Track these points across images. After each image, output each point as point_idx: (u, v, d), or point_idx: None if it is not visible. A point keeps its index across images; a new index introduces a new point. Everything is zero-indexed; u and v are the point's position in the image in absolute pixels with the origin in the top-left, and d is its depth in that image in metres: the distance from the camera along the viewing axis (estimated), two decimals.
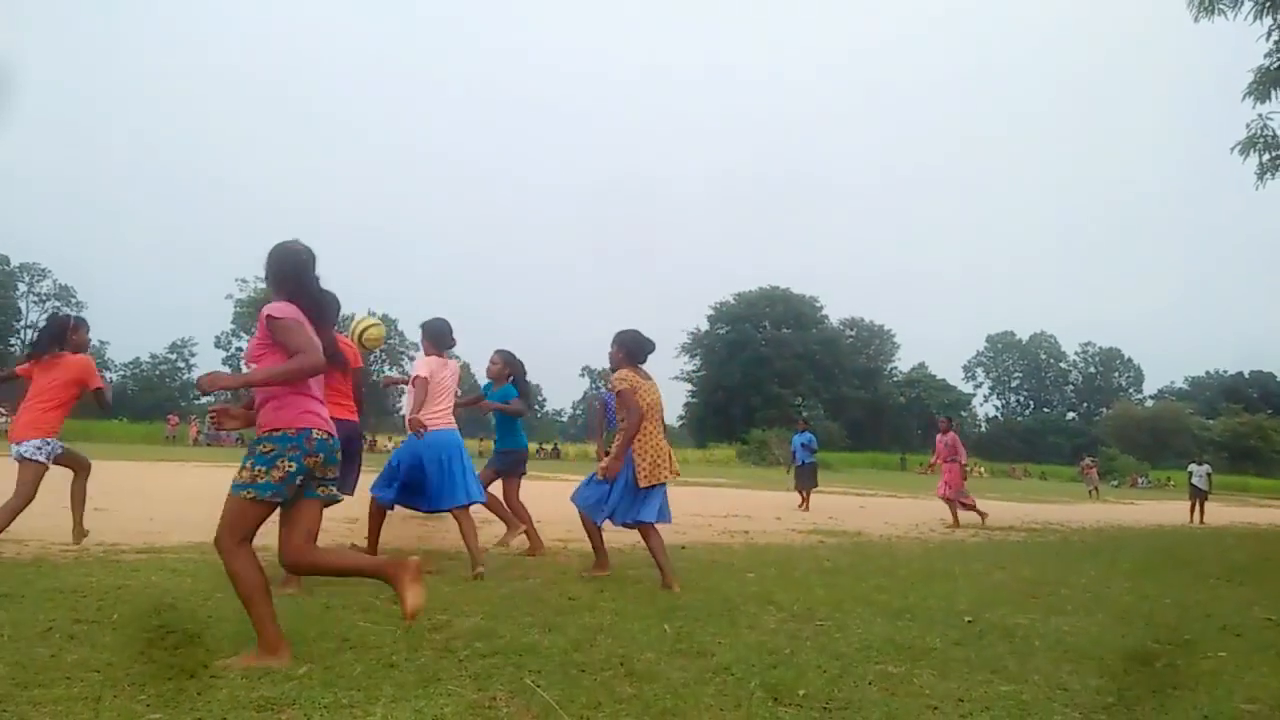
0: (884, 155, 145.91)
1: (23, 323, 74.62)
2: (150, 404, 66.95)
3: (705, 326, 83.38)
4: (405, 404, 6.61)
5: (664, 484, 6.10)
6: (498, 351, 7.91)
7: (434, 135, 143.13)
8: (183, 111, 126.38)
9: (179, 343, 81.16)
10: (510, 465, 7.83)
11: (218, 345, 77.25)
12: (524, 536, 7.52)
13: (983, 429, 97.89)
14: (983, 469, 61.44)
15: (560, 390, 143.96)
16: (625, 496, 6.00)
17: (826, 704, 3.26)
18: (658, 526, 6.03)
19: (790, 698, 3.30)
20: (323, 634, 3.99)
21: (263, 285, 48.60)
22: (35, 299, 76.40)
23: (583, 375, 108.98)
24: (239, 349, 76.61)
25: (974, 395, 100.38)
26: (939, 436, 13.93)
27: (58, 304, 76.09)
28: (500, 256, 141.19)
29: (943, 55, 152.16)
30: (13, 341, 72.08)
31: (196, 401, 56.75)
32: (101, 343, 76.98)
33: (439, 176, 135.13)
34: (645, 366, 6.34)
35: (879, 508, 13.47)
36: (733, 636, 4.36)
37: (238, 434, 11.75)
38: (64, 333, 6.53)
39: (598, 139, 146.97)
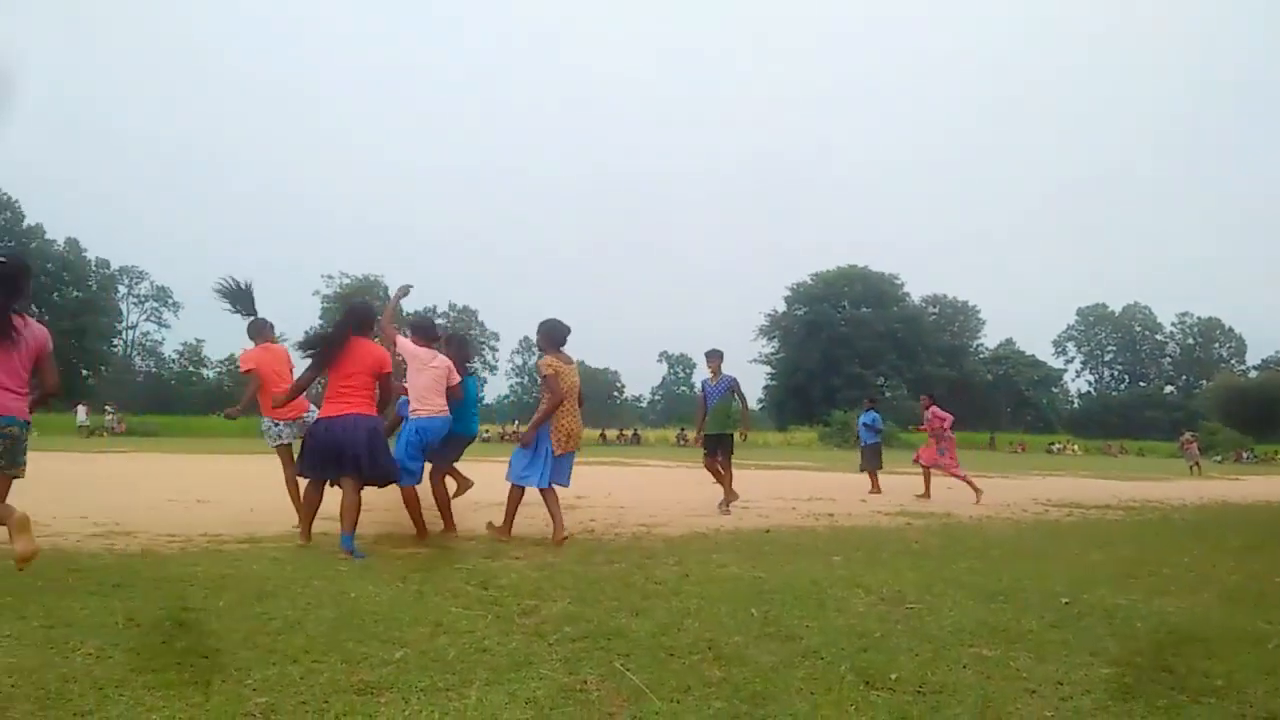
0: (964, 124, 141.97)
1: (124, 324, 77.99)
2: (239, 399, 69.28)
3: (782, 308, 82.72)
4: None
5: (573, 453, 7.20)
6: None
7: (512, 131, 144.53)
8: (265, 126, 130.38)
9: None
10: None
11: None
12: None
13: (1075, 405, 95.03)
14: (1076, 446, 59.66)
15: (639, 377, 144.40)
16: (549, 463, 6.97)
17: (920, 688, 3.22)
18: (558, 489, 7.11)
19: (882, 682, 3.27)
20: (417, 620, 4.09)
21: (348, 281, 49.90)
22: (134, 300, 79.79)
23: (660, 361, 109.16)
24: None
25: (1065, 371, 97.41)
26: (925, 413, 14.62)
27: (156, 305, 79.48)
28: (573, 242, 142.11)
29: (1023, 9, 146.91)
30: (115, 342, 75.38)
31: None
32: (198, 340, 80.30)
33: (522, 171, 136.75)
34: (564, 350, 7.30)
35: (967, 488, 13.16)
36: (821, 620, 4.33)
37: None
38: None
39: (658, 121, 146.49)
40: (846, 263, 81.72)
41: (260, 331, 8.03)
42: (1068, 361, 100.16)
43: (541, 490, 7.01)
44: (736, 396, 10.93)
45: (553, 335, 7.22)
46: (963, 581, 5.61)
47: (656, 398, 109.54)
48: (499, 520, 7.22)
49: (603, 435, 56.01)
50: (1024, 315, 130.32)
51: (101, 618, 3.97)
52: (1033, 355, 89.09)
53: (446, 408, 7.12)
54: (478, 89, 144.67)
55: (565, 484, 7.19)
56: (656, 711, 2.86)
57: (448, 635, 3.82)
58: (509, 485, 7.16)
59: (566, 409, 7.05)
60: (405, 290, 7.60)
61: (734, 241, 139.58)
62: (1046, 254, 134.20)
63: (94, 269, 72.27)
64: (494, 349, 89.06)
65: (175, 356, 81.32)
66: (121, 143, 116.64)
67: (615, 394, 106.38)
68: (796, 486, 15.46)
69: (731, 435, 10.82)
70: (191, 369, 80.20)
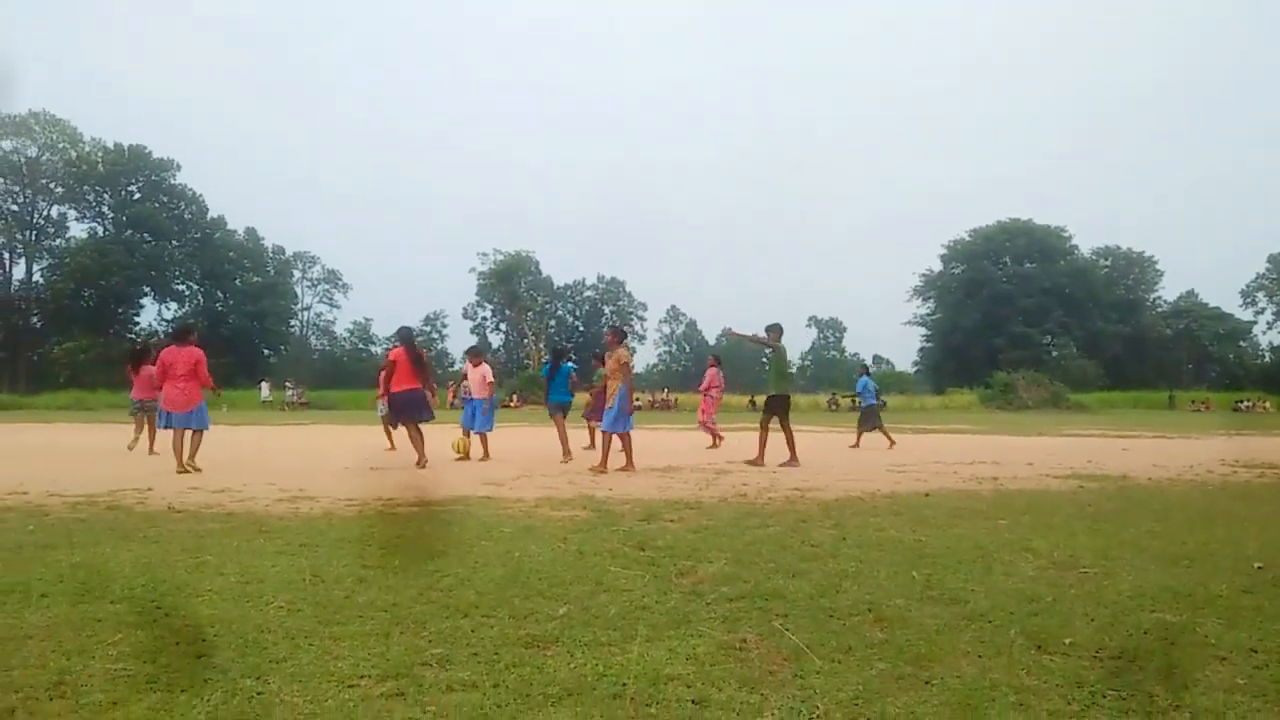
0: (1130, 63, 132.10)
1: (299, 305, 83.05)
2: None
3: (938, 267, 79.70)
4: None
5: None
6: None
7: (655, 107, 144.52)
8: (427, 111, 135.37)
9: (432, 315, 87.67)
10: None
11: (465, 316, 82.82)
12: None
13: (1266, 359, 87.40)
14: (1269, 403, 55.01)
15: (787, 342, 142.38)
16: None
17: (1096, 653, 3.06)
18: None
19: (1055, 646, 3.13)
20: (578, 578, 4.20)
21: (501, 257, 51.16)
22: (308, 284, 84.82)
23: (809, 325, 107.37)
24: (484, 319, 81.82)
25: (1254, 323, 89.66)
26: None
27: (327, 287, 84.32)
28: (719, 209, 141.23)
29: None
30: (292, 323, 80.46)
31: (452, 369, 60.86)
32: (366, 319, 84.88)
33: (671, 141, 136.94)
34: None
35: (1145, 449, 12.39)
36: (987, 584, 4.18)
37: (495, 398, 12.59)
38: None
39: (792, 78, 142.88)
40: (1008, 217, 77.81)
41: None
42: (1258, 313, 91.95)
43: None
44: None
45: (617, 333, 11.05)
46: (1142, 545, 5.29)
47: (806, 363, 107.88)
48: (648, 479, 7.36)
49: (751, 402, 55.78)
50: (1207, 265, 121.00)
51: (290, 574, 4.27)
52: (1217, 308, 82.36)
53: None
54: (624, 81, 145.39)
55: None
56: (817, 671, 2.84)
57: (608, 593, 3.91)
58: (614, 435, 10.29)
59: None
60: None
61: (885, 200, 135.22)
62: (1230, 199, 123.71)
63: (271, 256, 77.23)
64: (642, 319, 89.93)
65: (346, 335, 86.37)
66: (293, 139, 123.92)
67: (764, 361, 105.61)
68: (956, 450, 14.96)
69: (775, 396, 11.90)
70: (361, 346, 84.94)
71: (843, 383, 72.47)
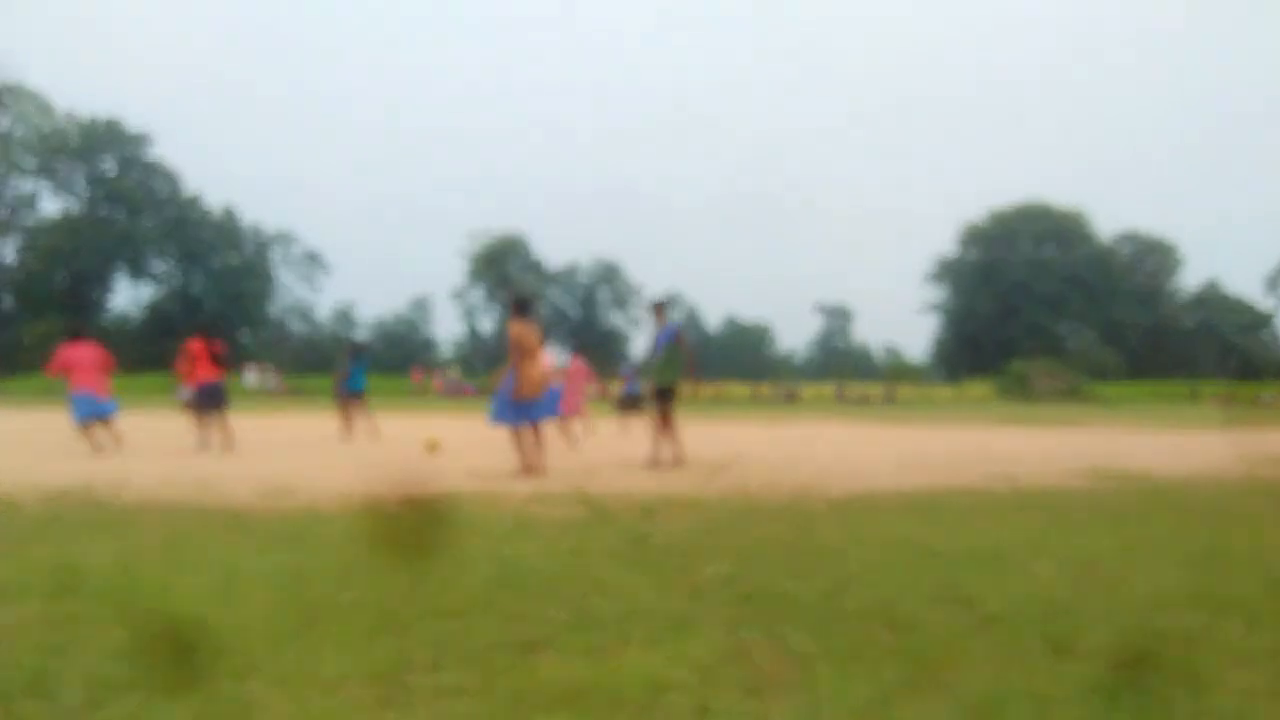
0: (1164, 25, 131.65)
1: (278, 287, 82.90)
2: (397, 358, 72.76)
3: (954, 251, 79.66)
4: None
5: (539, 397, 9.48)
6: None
7: (658, 85, 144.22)
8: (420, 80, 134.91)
9: (418, 299, 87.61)
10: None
11: (455, 298, 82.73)
12: None
13: None
14: None
15: (792, 329, 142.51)
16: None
17: (1116, 657, 3.07)
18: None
19: (1073, 650, 3.14)
20: (574, 579, 4.21)
21: (491, 240, 51.58)
22: (287, 264, 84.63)
23: (816, 313, 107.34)
24: (473, 303, 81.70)
25: (1274, 315, 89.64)
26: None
27: (308, 268, 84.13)
28: (719, 190, 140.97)
29: None
30: (270, 306, 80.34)
31: (438, 355, 61.07)
32: (349, 302, 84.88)
33: (671, 124, 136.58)
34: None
35: (1166, 445, 12.43)
36: (1003, 586, 4.19)
37: (477, 385, 13.25)
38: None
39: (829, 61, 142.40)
40: (1025, 199, 77.70)
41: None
42: None
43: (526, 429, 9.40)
44: (679, 346, 10.95)
45: (520, 306, 9.86)
46: (1163, 545, 5.31)
47: (812, 351, 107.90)
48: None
49: (755, 392, 55.84)
50: (1230, 251, 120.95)
51: (272, 572, 4.28)
52: (1239, 299, 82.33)
53: None
54: (624, 45, 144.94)
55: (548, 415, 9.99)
56: (825, 678, 2.85)
57: (605, 595, 3.92)
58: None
59: (530, 364, 9.33)
60: None
61: (897, 181, 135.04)
62: (1256, 182, 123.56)
63: (250, 235, 77.07)
64: (638, 305, 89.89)
65: (327, 319, 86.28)
66: (272, 111, 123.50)
67: (767, 348, 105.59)
68: (971, 444, 15.00)
69: (670, 388, 10.71)
70: (343, 331, 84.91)
71: (850, 372, 72.60)
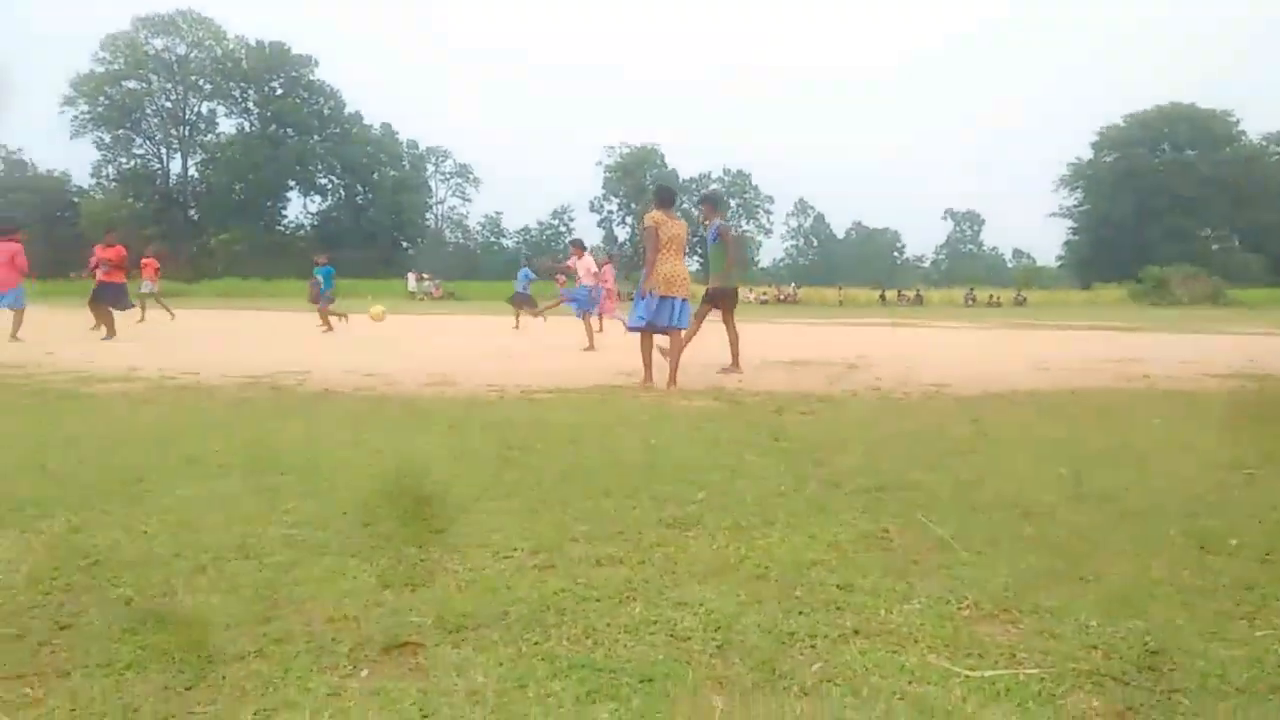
0: None
1: (434, 199, 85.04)
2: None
3: (1089, 155, 74.65)
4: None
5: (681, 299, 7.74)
6: None
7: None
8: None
9: (559, 209, 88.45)
10: None
11: (592, 209, 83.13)
12: None
13: None
14: None
15: (920, 235, 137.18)
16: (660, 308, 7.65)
17: (1266, 555, 2.90)
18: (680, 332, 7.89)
19: (1220, 547, 2.97)
20: (714, 465, 4.24)
21: (627, 150, 51.35)
22: (441, 177, 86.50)
23: (944, 218, 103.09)
24: (610, 212, 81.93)
25: None
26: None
27: (459, 181, 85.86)
28: (850, 99, 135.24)
29: None
30: (428, 217, 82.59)
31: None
32: (496, 213, 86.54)
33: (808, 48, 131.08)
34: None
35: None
36: (1142, 483, 4.00)
37: (599, 288, 13.63)
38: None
39: None
40: (1167, 100, 71.68)
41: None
42: None
43: (670, 333, 7.83)
44: (724, 245, 9.60)
45: (659, 195, 8.10)
46: None
47: (940, 257, 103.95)
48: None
49: (882, 296, 54.44)
50: None
51: (441, 453, 4.47)
52: None
53: None
54: None
55: (683, 325, 7.87)
56: (964, 562, 2.79)
57: (745, 480, 3.94)
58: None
59: (668, 258, 7.70)
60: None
61: (1029, 81, 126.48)
62: None
63: (406, 150, 78.92)
64: (769, 212, 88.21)
65: (478, 228, 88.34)
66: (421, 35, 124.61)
67: (895, 254, 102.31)
68: (1104, 347, 14.27)
69: (716, 289, 9.47)
70: (493, 239, 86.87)
71: (981, 278, 69.73)
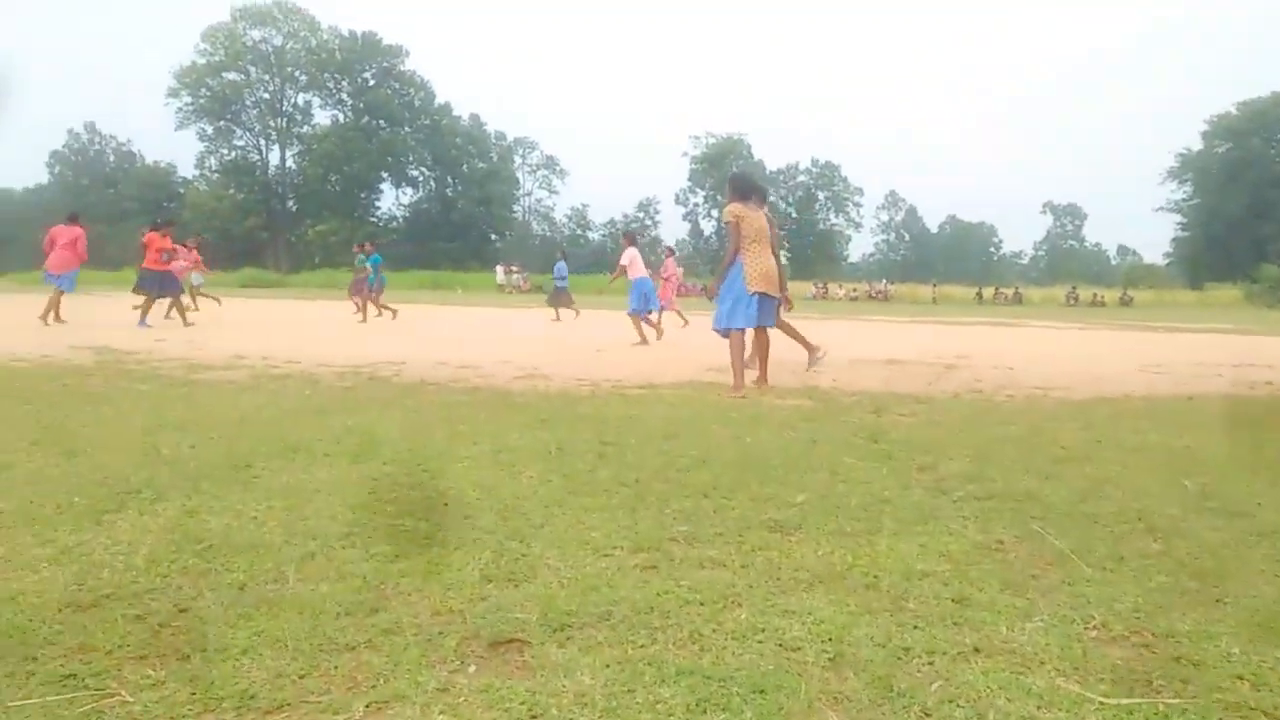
0: None
1: (521, 190, 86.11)
2: None
3: (1198, 145, 71.28)
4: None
5: (770, 296, 7.21)
6: None
7: None
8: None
9: (645, 201, 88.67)
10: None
11: (677, 202, 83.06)
12: None
13: None
14: None
15: (1017, 230, 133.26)
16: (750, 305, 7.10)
17: None
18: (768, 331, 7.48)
19: None
20: (813, 467, 4.16)
21: (713, 141, 51.55)
22: (528, 169, 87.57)
23: (1044, 212, 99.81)
24: (696, 205, 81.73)
25: None
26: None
27: (546, 173, 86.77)
28: (945, 88, 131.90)
29: None
30: (515, 208, 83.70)
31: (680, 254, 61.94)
32: (583, 205, 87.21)
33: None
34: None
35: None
36: (1276, 497, 3.77)
37: (702, 285, 13.42)
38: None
39: None
40: None
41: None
42: None
43: (756, 331, 7.39)
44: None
45: (739, 187, 7.60)
46: None
47: (1039, 253, 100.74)
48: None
49: (979, 294, 53.04)
50: None
51: (537, 447, 4.49)
52: None
53: None
54: None
55: (770, 324, 7.42)
56: (1087, 579, 2.66)
57: (846, 483, 3.85)
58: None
59: (756, 252, 7.17)
60: None
61: (1134, 67, 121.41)
62: None
63: (494, 141, 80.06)
64: (858, 205, 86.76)
65: (565, 220, 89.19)
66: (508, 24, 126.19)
67: (991, 249, 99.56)
68: (1219, 351, 13.60)
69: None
70: (579, 231, 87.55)
71: (1083, 276, 67.35)
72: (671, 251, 20.28)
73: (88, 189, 71.87)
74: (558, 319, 19.59)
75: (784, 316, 8.46)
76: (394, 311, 17.66)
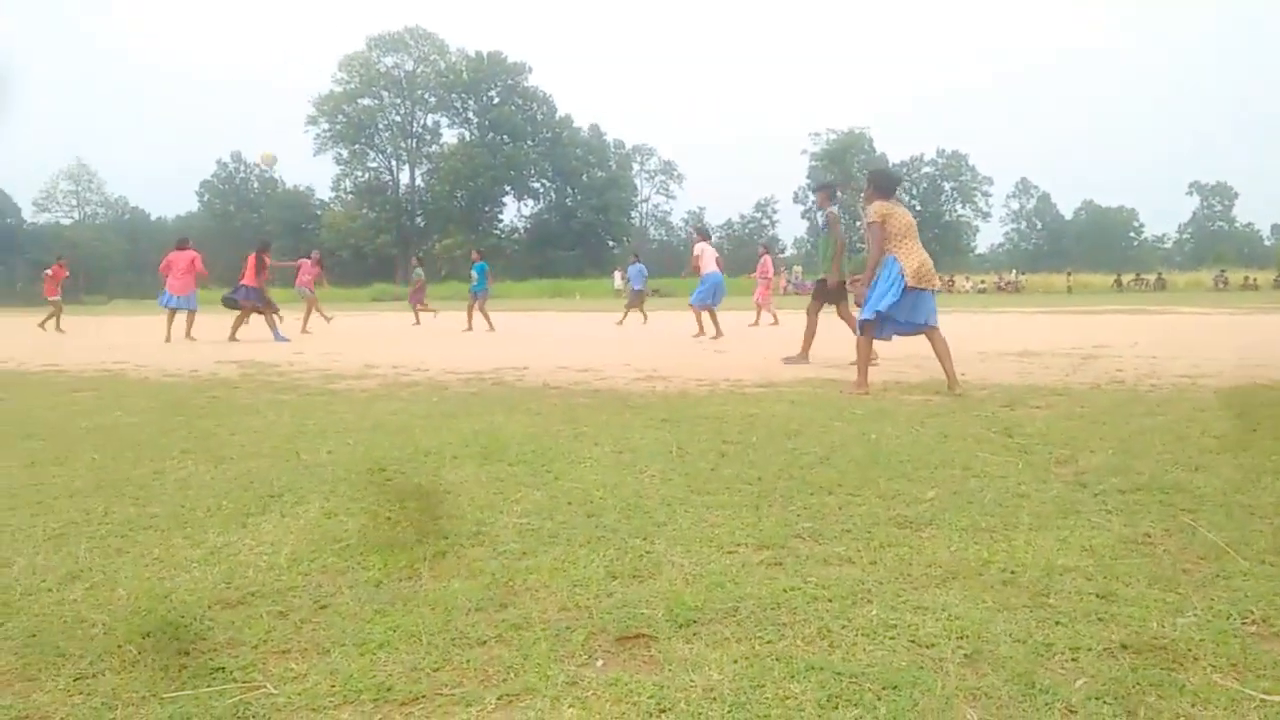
0: None
1: (639, 197, 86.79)
2: (743, 259, 74.08)
3: None
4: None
5: (930, 290, 6.77)
6: None
7: None
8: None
9: (762, 202, 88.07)
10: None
11: (795, 200, 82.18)
12: None
13: None
14: None
15: (1160, 213, 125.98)
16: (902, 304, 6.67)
17: None
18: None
19: None
20: (944, 462, 4.03)
21: (834, 136, 50.79)
22: (646, 175, 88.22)
23: (1190, 193, 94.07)
24: (814, 202, 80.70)
25: None
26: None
27: (664, 178, 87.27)
28: (1074, 68, 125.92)
29: None
30: (633, 215, 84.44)
31: (781, 255, 61.32)
32: (700, 208, 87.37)
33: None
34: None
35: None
36: None
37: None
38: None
39: None
40: None
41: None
42: None
43: (928, 333, 6.79)
44: (831, 234, 9.23)
45: (880, 184, 7.09)
46: None
47: (1185, 236, 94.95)
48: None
49: (1118, 281, 50.46)
50: None
51: (657, 447, 4.51)
52: None
53: None
54: None
55: (935, 323, 6.80)
56: (1244, 573, 2.49)
57: (979, 479, 3.71)
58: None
59: (909, 248, 6.75)
60: None
61: None
62: None
63: (613, 150, 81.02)
64: (987, 194, 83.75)
65: (682, 225, 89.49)
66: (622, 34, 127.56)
67: (1132, 234, 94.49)
68: None
69: (826, 280, 9.12)
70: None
71: (1233, 259, 63.20)
72: (766, 249, 20.28)
73: (234, 214, 76.43)
74: (645, 321, 19.40)
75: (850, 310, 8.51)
76: (435, 312, 19.56)
